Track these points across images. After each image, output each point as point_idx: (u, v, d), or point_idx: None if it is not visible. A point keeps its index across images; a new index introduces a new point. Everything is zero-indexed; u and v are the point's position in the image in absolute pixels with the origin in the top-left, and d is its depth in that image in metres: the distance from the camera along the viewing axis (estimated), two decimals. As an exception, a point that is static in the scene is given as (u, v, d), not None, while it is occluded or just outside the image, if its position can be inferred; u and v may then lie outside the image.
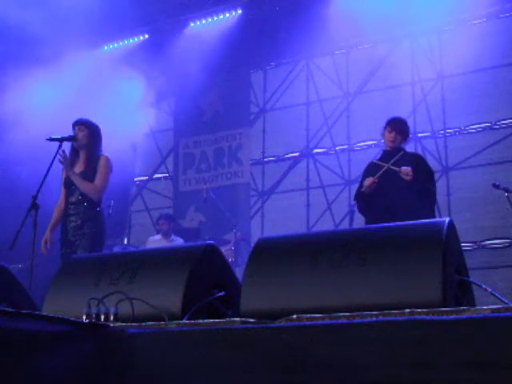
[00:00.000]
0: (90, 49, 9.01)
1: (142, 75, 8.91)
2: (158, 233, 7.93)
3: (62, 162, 4.71)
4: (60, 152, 4.68)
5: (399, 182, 4.66)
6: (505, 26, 7.68)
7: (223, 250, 4.85)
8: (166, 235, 7.66)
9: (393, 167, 4.71)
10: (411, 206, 4.55)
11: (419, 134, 7.87)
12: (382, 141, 5.17)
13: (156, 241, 7.68)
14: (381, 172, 4.73)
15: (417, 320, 1.56)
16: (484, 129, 7.58)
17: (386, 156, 4.90)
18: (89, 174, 4.80)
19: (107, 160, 4.88)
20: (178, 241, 7.67)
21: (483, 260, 7.04)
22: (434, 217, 4.90)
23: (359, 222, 5.42)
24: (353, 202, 5.28)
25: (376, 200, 4.73)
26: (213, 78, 9.11)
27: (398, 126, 4.91)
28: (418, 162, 4.86)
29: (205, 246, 2.50)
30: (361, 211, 4.95)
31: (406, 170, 4.63)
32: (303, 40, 8.13)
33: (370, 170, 4.91)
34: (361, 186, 4.87)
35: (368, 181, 4.72)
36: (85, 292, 2.39)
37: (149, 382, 1.81)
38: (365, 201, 4.81)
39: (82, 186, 4.74)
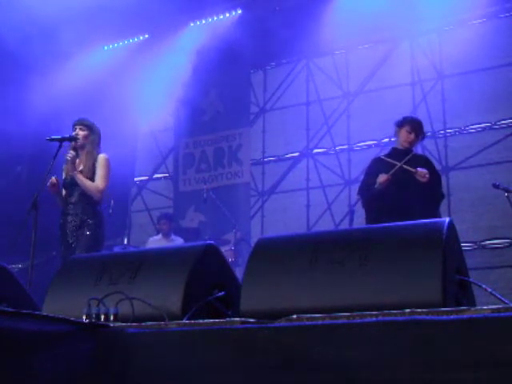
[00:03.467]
0: (90, 49, 9.02)
1: (142, 75, 8.91)
2: (158, 233, 7.95)
3: (68, 161, 4.74)
4: (71, 151, 4.77)
5: (410, 183, 4.64)
6: (505, 26, 7.67)
7: (223, 250, 4.85)
8: (166, 235, 7.68)
9: (407, 167, 4.67)
10: (420, 208, 4.53)
11: (419, 134, 7.87)
12: (393, 139, 5.12)
13: (156, 241, 7.69)
14: (394, 170, 4.68)
15: (417, 320, 1.56)
16: (484, 129, 7.57)
17: (397, 155, 4.85)
18: (87, 173, 4.81)
19: (106, 159, 4.89)
20: (178, 240, 7.68)
21: (483, 260, 7.04)
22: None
23: (359, 221, 5.42)
24: (356, 197, 5.20)
25: (383, 198, 4.69)
26: (213, 78, 9.11)
27: (419, 129, 4.89)
28: (428, 164, 4.85)
29: (205, 246, 2.50)
30: (366, 206, 4.89)
31: (423, 171, 4.61)
32: (303, 40, 8.12)
33: (379, 166, 4.85)
34: (368, 180, 4.82)
35: (382, 177, 4.67)
36: (85, 292, 2.39)
37: (149, 382, 1.80)
38: (374, 196, 4.74)
39: (86, 185, 4.76)
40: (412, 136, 4.84)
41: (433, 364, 1.48)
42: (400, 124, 4.91)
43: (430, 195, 4.68)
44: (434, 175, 4.75)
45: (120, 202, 8.18)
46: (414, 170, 4.63)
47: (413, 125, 4.87)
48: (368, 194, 4.79)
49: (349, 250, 2.09)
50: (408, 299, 1.89)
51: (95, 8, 7.38)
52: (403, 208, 4.49)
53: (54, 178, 4.73)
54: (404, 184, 4.64)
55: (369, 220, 4.84)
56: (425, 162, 4.89)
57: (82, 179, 4.76)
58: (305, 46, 8.32)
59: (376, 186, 4.69)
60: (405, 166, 4.68)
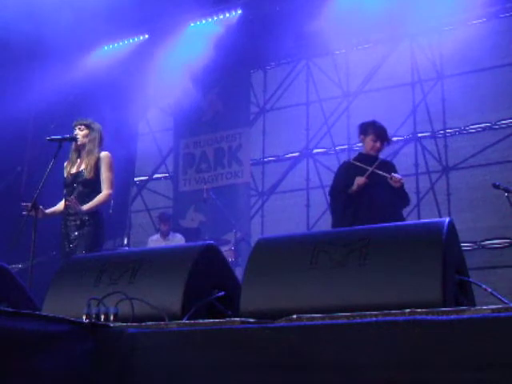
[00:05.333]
0: (91, 49, 9.02)
1: (142, 75, 8.91)
2: (157, 232, 7.96)
3: (69, 204, 4.69)
4: (70, 199, 4.66)
5: (383, 187, 4.72)
6: (505, 26, 7.67)
7: (223, 250, 4.85)
8: (165, 235, 7.70)
9: (381, 172, 4.77)
10: (393, 210, 4.65)
11: (419, 134, 7.88)
12: (359, 145, 5.20)
13: (154, 241, 7.71)
14: (368, 173, 4.77)
15: (417, 320, 1.56)
16: (484, 129, 7.57)
17: (366, 160, 4.93)
18: (90, 173, 4.80)
19: (109, 157, 4.89)
20: (177, 237, 7.71)
21: (483, 260, 7.04)
22: (405, 219, 5.03)
23: (359, 222, 5.42)
24: (328, 198, 5.27)
25: (358, 201, 4.76)
26: (213, 78, 9.12)
27: (384, 137, 4.94)
28: (394, 170, 4.95)
29: (205, 246, 2.50)
30: (337, 209, 4.93)
31: (398, 177, 4.70)
32: (303, 40, 8.13)
33: (351, 170, 4.91)
34: (344, 182, 4.85)
35: (361, 180, 4.73)
36: (85, 292, 2.39)
37: (149, 382, 1.80)
38: (350, 199, 4.79)
39: (97, 204, 4.75)
40: (378, 145, 4.92)
41: (433, 364, 1.48)
42: (364, 132, 4.95)
43: (401, 199, 4.83)
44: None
45: (120, 202, 8.19)
46: (388, 176, 4.70)
47: (377, 134, 4.91)
48: (345, 196, 4.82)
49: (349, 250, 2.09)
50: (408, 299, 1.89)
51: (95, 8, 7.38)
52: (378, 209, 4.59)
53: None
54: (377, 188, 4.73)
55: (340, 220, 4.85)
56: (391, 167, 5.01)
57: (89, 206, 4.72)
58: (305, 46, 8.33)
59: (354, 189, 4.75)
60: (378, 171, 4.76)
